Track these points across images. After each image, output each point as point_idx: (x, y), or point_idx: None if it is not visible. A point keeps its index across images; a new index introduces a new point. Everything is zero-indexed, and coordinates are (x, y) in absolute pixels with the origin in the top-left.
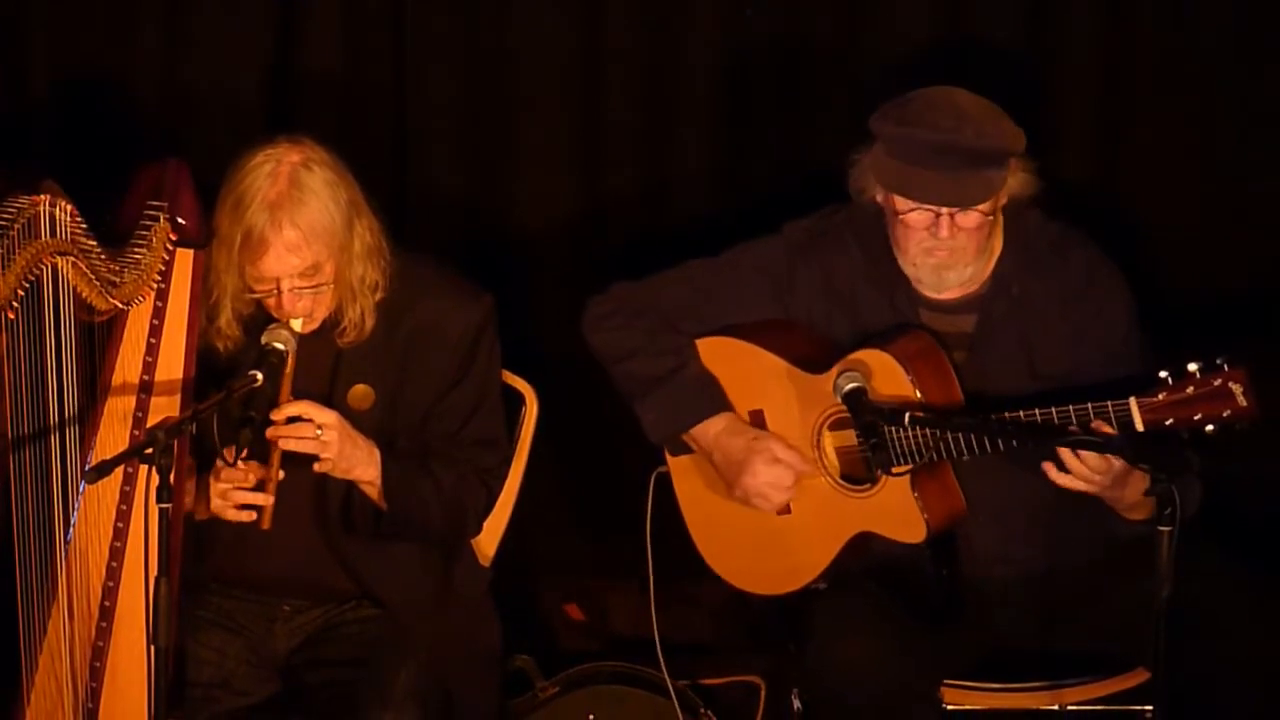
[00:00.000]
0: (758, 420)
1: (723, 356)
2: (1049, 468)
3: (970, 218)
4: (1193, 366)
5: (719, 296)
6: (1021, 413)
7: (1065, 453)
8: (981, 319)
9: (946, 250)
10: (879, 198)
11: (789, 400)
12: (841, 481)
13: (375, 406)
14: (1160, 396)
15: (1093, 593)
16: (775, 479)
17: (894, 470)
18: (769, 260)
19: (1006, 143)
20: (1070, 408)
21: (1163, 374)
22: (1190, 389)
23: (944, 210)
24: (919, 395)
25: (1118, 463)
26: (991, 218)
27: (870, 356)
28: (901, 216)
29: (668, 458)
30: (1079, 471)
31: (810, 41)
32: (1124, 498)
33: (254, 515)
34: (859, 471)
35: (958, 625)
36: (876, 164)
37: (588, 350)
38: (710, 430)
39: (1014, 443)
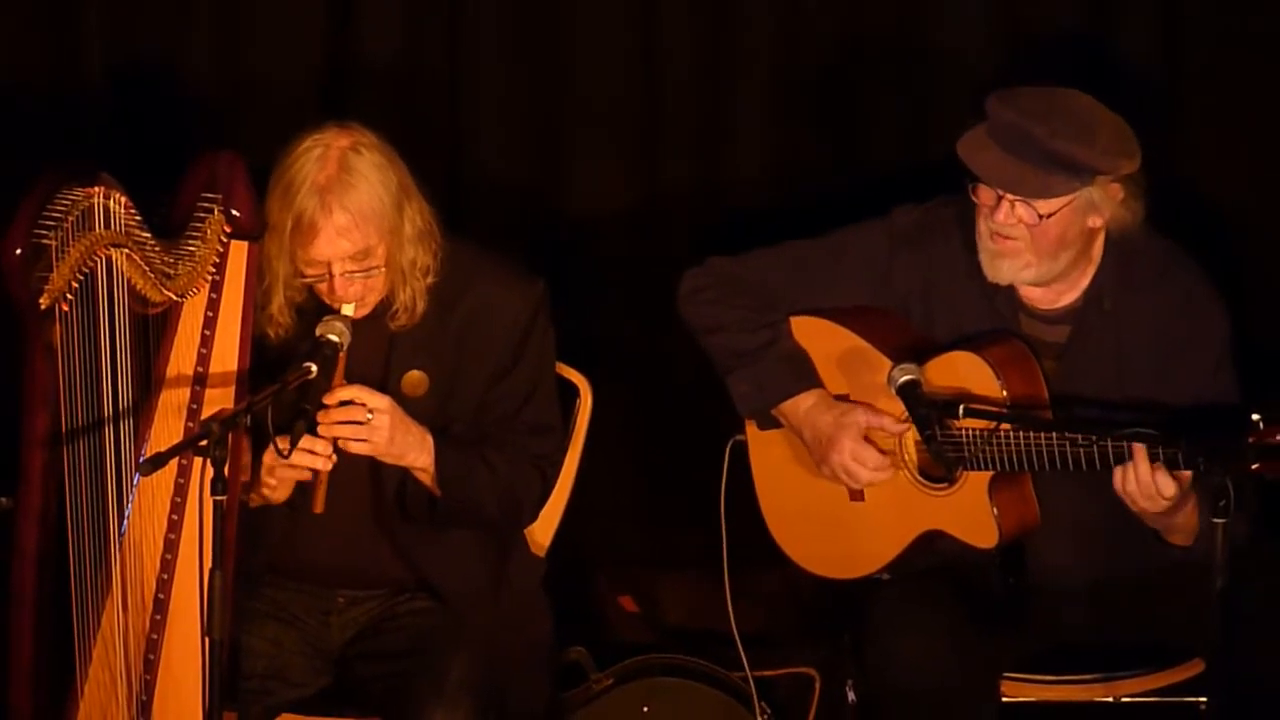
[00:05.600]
0: None
1: (814, 337)
2: (1117, 471)
3: (1027, 212)
4: None
5: (817, 279)
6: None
7: (1129, 470)
8: (1074, 330)
9: (1004, 238)
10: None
11: (875, 389)
12: (920, 477)
13: (429, 393)
14: (1250, 440)
15: (1153, 591)
16: (863, 454)
17: (955, 474)
18: (870, 248)
19: (1085, 156)
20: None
21: (1255, 416)
22: None
23: (1005, 195)
24: (1006, 400)
25: (1171, 488)
26: (1046, 221)
27: (963, 358)
28: (971, 185)
29: (749, 430)
30: (1145, 488)
31: (867, 35)
32: (1173, 524)
33: (308, 475)
34: (937, 470)
35: (1019, 626)
36: (969, 132)
37: (643, 340)
38: (800, 406)
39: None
